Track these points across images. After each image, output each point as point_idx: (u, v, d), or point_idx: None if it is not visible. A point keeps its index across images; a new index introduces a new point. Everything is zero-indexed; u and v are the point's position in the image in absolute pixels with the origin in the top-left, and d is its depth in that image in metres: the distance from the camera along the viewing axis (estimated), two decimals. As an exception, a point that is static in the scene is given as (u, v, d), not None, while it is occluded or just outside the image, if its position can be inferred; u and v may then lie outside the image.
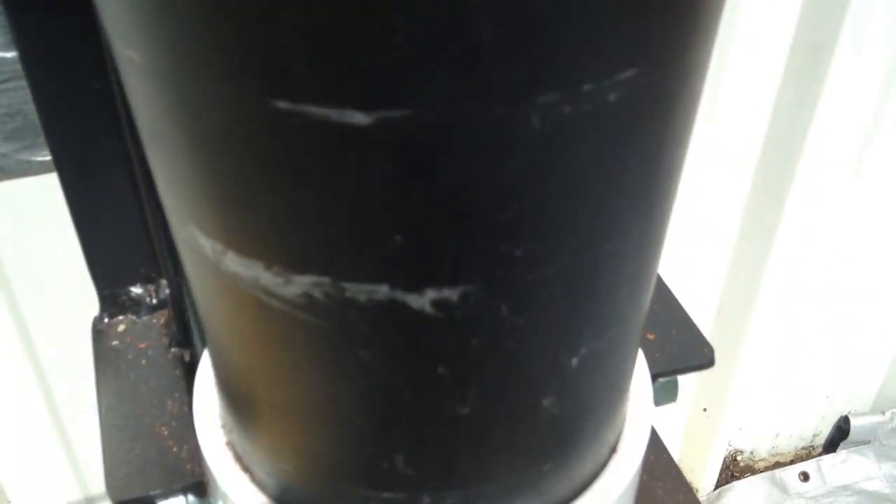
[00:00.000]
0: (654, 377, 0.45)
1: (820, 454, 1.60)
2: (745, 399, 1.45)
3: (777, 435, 1.61)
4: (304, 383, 0.25)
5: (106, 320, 0.48)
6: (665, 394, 0.47)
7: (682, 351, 0.46)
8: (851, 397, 1.60)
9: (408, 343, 0.23)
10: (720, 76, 1.06)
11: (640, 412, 0.34)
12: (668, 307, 0.49)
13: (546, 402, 0.26)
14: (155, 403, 0.42)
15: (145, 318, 0.47)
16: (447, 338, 0.23)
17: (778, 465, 1.60)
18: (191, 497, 0.39)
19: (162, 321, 0.48)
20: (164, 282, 0.48)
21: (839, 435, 1.61)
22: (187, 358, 0.46)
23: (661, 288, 0.51)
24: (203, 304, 0.27)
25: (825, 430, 1.64)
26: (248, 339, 0.26)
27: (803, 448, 1.65)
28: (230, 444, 0.32)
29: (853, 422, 1.57)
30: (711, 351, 0.47)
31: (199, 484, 0.39)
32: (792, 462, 1.58)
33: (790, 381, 1.50)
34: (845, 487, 1.50)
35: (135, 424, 0.41)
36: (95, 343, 0.47)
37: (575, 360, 0.25)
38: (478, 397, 0.24)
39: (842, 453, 1.54)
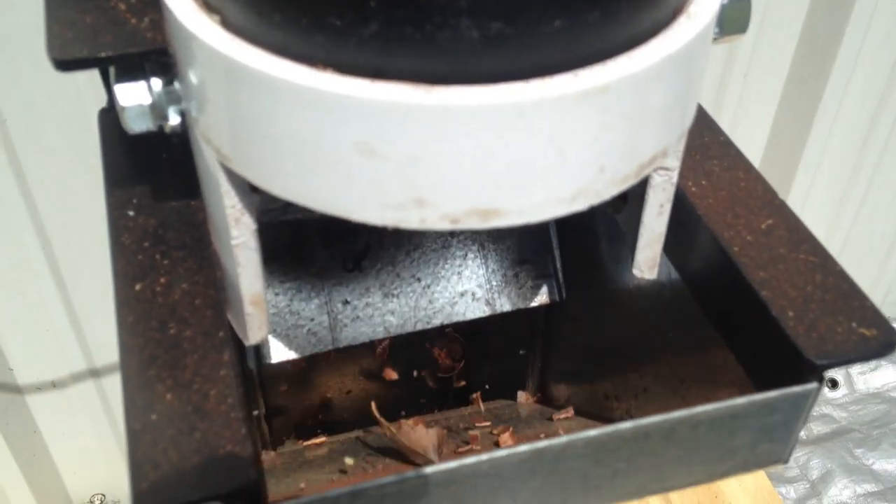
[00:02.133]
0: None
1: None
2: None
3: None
4: None
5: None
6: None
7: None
8: (886, 301, 1.56)
9: None
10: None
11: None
12: None
13: None
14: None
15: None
16: None
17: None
18: (155, 80, 0.33)
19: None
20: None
21: None
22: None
23: None
24: None
25: None
26: None
27: None
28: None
29: None
30: None
31: (162, 54, 0.33)
32: None
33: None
34: (875, 395, 1.47)
35: None
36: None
37: None
38: None
39: (872, 361, 1.47)
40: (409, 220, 0.31)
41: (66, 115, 0.87)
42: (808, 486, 1.38)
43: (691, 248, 0.44)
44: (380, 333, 0.59)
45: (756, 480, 1.15)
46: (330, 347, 0.58)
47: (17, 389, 1.07)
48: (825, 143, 1.26)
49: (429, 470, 0.33)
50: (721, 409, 0.35)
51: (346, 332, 0.58)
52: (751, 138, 1.25)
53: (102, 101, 0.48)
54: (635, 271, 0.45)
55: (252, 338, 0.41)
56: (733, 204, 0.42)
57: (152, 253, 0.40)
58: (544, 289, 0.62)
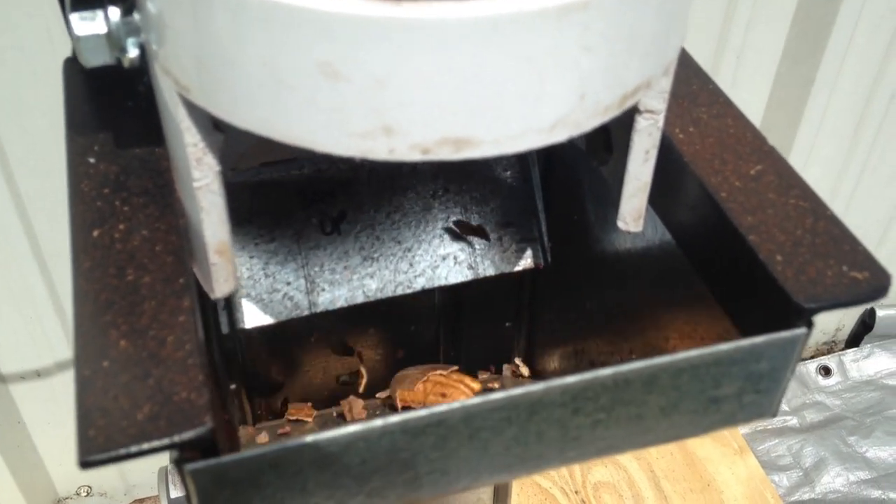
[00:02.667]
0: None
1: (842, 350, 1.54)
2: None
3: (798, 328, 1.53)
4: None
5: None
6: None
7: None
8: None
9: None
10: None
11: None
12: None
13: None
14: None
15: None
16: None
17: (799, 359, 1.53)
18: (112, 9, 0.32)
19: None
20: None
21: (863, 330, 1.54)
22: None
23: None
24: None
25: (849, 325, 1.57)
26: None
27: (825, 343, 1.59)
28: None
29: (879, 314, 1.50)
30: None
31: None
32: (813, 357, 1.52)
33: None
34: (868, 382, 1.46)
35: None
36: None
37: None
38: None
39: (865, 348, 1.49)
40: (377, 149, 0.29)
41: (49, 98, 0.85)
42: (801, 473, 1.37)
43: (677, 196, 0.42)
44: (359, 298, 0.57)
45: (748, 468, 1.14)
46: (307, 312, 0.56)
47: (0, 379, 1.05)
48: (817, 130, 1.25)
49: (394, 419, 0.31)
50: (705, 356, 0.33)
51: (324, 297, 0.56)
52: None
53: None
54: (620, 224, 0.44)
55: (218, 290, 0.39)
56: (721, 150, 0.41)
57: (112, 199, 0.38)
58: (529, 253, 0.60)
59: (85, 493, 1.22)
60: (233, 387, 0.66)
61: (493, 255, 0.59)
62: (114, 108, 0.43)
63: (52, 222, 0.93)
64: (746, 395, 0.36)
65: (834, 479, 1.36)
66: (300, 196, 0.56)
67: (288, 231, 0.56)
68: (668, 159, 0.42)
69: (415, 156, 0.29)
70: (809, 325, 0.34)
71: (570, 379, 0.32)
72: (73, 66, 0.45)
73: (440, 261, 0.58)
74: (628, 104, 0.33)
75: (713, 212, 0.39)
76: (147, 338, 0.32)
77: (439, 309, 0.67)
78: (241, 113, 0.30)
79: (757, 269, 0.36)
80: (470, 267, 0.59)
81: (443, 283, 0.58)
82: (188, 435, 0.29)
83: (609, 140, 0.45)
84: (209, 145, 0.35)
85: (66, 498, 1.21)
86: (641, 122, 0.39)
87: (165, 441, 0.29)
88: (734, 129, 0.42)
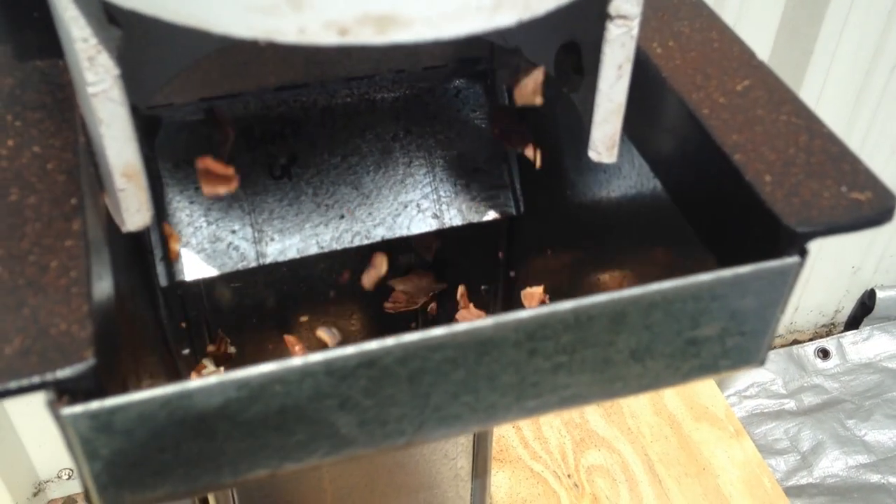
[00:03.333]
0: None
1: (841, 332, 1.52)
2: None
3: (796, 309, 1.51)
4: None
5: None
6: None
7: None
8: (879, 269, 1.49)
9: None
10: None
11: None
12: None
13: None
14: None
15: None
16: None
17: (796, 342, 1.52)
18: None
19: None
20: None
21: (863, 312, 1.51)
22: None
23: None
24: None
25: (848, 307, 1.54)
26: None
27: (823, 326, 1.56)
28: None
29: (879, 295, 1.48)
30: None
31: None
32: (811, 340, 1.50)
33: (814, 247, 1.36)
34: (867, 365, 1.43)
35: None
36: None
37: None
38: None
39: (864, 330, 1.46)
40: (285, 29, 0.24)
41: None
42: (798, 457, 1.34)
43: (655, 119, 0.37)
44: (312, 248, 0.52)
45: (745, 452, 1.10)
46: (254, 264, 0.51)
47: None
48: (815, 103, 1.20)
49: (316, 357, 0.26)
50: (680, 288, 0.29)
51: (273, 247, 0.52)
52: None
53: None
54: (591, 154, 0.39)
55: (130, 222, 0.34)
56: (704, 65, 0.36)
57: (3, 114, 0.33)
58: (500, 200, 0.55)
59: (66, 476, 1.18)
60: (186, 352, 0.61)
61: (461, 203, 0.55)
62: (17, 20, 0.37)
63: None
64: (729, 338, 0.31)
65: (832, 463, 1.33)
66: (245, 136, 0.51)
67: (233, 175, 0.51)
68: (645, 77, 0.37)
69: (330, 38, 0.25)
70: (803, 253, 0.30)
71: (525, 313, 0.28)
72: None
73: (402, 209, 0.53)
74: (592, -12, 0.28)
75: (694, 132, 0.34)
76: (26, 263, 0.27)
77: (404, 269, 0.62)
78: (127, -9, 0.25)
79: (742, 193, 0.31)
80: (434, 216, 0.54)
81: (404, 233, 0.53)
82: (64, 373, 0.24)
83: (580, 61, 0.40)
84: (103, 42, 0.29)
85: (48, 481, 1.16)
86: (613, 31, 0.34)
87: (36, 379, 0.24)
88: (719, 42, 0.37)
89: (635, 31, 0.34)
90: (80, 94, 0.32)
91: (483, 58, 0.55)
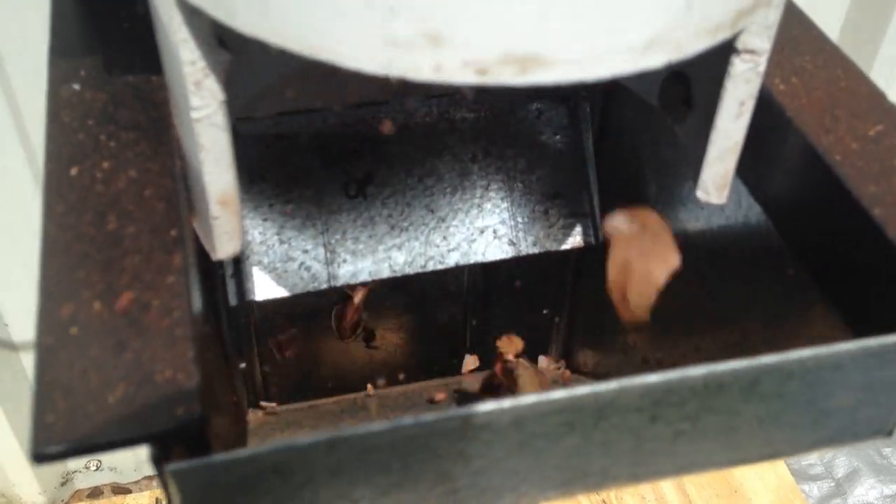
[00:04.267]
0: None
1: None
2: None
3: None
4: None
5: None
6: None
7: None
8: None
9: None
10: None
11: None
12: None
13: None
14: None
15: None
16: None
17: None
18: None
19: None
20: None
21: None
22: None
23: None
24: None
25: None
26: None
27: None
28: None
29: None
30: None
31: None
32: None
33: None
34: None
35: None
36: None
37: None
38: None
39: None
40: (420, 66, 0.22)
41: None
42: (832, 484, 1.30)
43: (774, 160, 0.35)
44: (384, 272, 0.50)
45: (778, 476, 1.07)
46: (325, 286, 0.50)
47: (11, 346, 1.00)
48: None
49: (429, 417, 0.25)
50: (822, 358, 0.26)
51: (346, 269, 0.50)
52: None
53: None
54: (700, 194, 0.36)
55: (221, 250, 0.33)
56: (832, 105, 0.34)
57: (96, 133, 0.31)
58: (578, 229, 0.53)
59: (94, 468, 1.18)
60: (243, 366, 0.60)
61: (538, 230, 0.52)
62: (107, 32, 0.36)
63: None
64: (863, 408, 0.29)
65: (867, 492, 1.28)
66: (322, 153, 0.50)
67: (307, 192, 0.49)
68: (766, 115, 0.35)
69: (468, 76, 0.23)
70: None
71: (652, 378, 0.26)
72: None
73: (478, 234, 0.51)
74: (741, 26, 0.26)
75: (824, 179, 0.32)
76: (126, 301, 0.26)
77: (468, 290, 0.60)
78: (251, 16, 0.24)
79: (882, 250, 0.29)
80: (511, 242, 0.52)
81: (479, 259, 0.52)
82: (171, 425, 0.22)
83: (689, 92, 0.38)
84: (211, 66, 0.28)
85: (76, 471, 1.16)
86: (739, 66, 0.32)
87: (142, 432, 0.22)
88: (845, 81, 0.35)
89: (762, 67, 0.32)
90: (181, 117, 0.31)
91: (567, 80, 0.53)
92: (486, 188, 0.52)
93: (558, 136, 0.53)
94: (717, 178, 0.36)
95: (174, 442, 0.23)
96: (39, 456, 0.22)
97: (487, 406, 0.25)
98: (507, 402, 0.25)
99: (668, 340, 0.50)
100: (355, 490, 0.26)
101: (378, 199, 0.50)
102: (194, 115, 0.29)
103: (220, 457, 0.23)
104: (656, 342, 0.52)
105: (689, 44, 0.24)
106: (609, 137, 0.54)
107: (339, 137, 0.50)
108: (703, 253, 0.45)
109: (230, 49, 0.28)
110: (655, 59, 0.23)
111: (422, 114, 0.51)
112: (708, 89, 0.34)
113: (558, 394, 0.25)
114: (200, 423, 0.23)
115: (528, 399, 0.25)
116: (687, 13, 0.23)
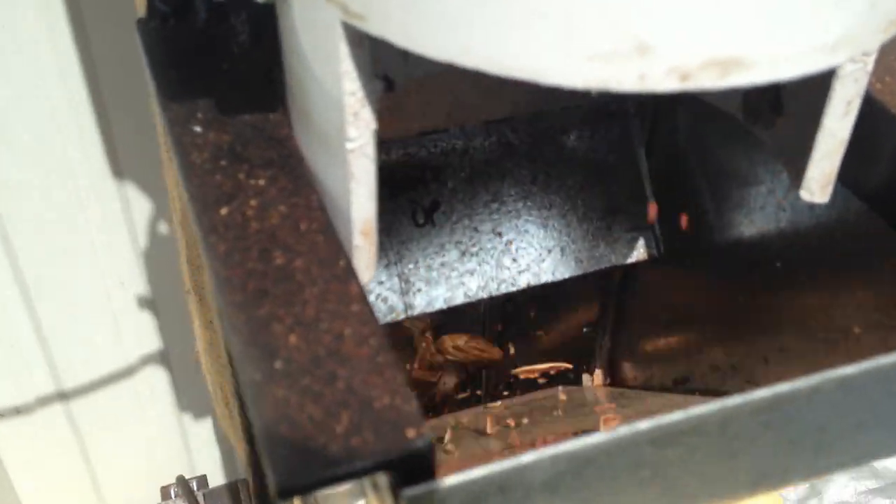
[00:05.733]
0: None
1: None
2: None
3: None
4: None
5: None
6: None
7: None
8: None
9: None
10: None
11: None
12: None
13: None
14: None
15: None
16: None
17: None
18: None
19: None
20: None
21: None
22: None
23: None
24: None
25: None
26: None
27: None
28: None
29: None
30: None
31: None
32: None
33: None
34: None
35: None
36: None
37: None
38: None
39: None
40: (625, 76, 0.23)
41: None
42: (807, 485, 1.33)
43: (875, 157, 0.36)
44: (458, 298, 0.50)
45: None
46: (402, 316, 0.50)
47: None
48: None
49: (644, 426, 0.25)
50: None
51: (421, 298, 0.50)
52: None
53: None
54: (804, 194, 0.38)
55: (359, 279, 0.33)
56: (932, 101, 0.35)
57: (233, 172, 0.31)
58: (641, 242, 0.54)
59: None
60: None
61: (602, 245, 0.53)
62: (207, 73, 0.36)
63: (33, 242, 0.84)
64: None
65: (841, 491, 1.32)
66: (387, 183, 0.50)
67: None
68: (867, 114, 0.36)
69: (671, 83, 0.23)
70: None
71: (849, 369, 0.26)
72: (147, 29, 0.39)
73: (546, 254, 0.52)
74: (899, 25, 0.27)
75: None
76: (319, 331, 0.25)
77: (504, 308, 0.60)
78: (438, 38, 0.24)
79: None
80: (578, 260, 0.52)
81: (550, 279, 0.52)
82: (408, 451, 0.22)
83: (778, 98, 0.39)
84: (368, 96, 0.28)
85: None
86: (847, 66, 0.33)
87: (379, 459, 0.22)
88: (936, 78, 0.37)
89: (871, 66, 0.33)
90: (327, 150, 0.30)
91: (617, 98, 0.54)
92: (549, 208, 0.52)
93: (612, 153, 0.54)
94: (821, 178, 0.37)
95: (410, 466, 0.22)
96: (284, 492, 0.21)
97: (699, 409, 0.25)
98: (716, 405, 0.25)
99: (737, 343, 0.51)
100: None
101: (446, 226, 0.50)
102: (349, 145, 0.28)
103: (453, 478, 0.23)
104: (724, 345, 0.53)
105: (869, 40, 0.25)
106: (659, 151, 0.55)
107: (404, 167, 0.50)
108: (770, 256, 0.46)
109: (388, 80, 0.28)
110: (839, 58, 0.24)
111: (480, 138, 0.51)
112: (806, 92, 0.35)
113: (762, 393, 0.26)
114: (431, 445, 0.22)
115: (735, 400, 0.26)
116: (871, 12, 0.24)
